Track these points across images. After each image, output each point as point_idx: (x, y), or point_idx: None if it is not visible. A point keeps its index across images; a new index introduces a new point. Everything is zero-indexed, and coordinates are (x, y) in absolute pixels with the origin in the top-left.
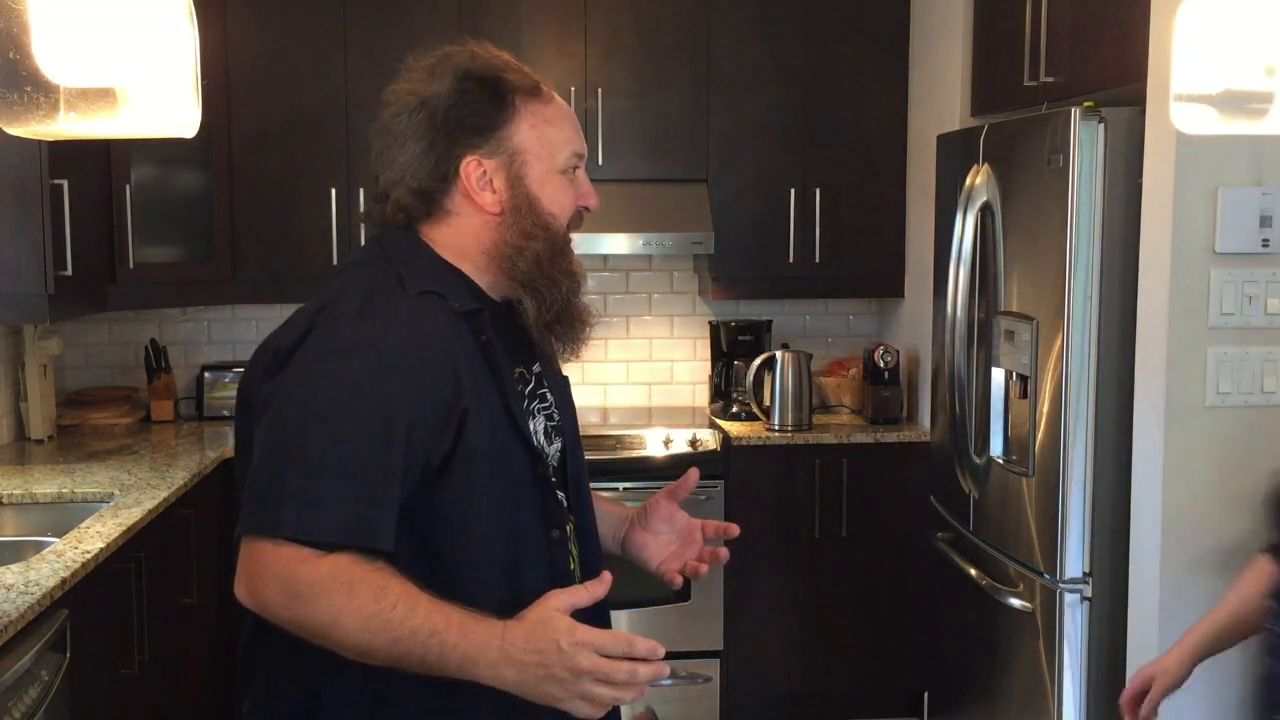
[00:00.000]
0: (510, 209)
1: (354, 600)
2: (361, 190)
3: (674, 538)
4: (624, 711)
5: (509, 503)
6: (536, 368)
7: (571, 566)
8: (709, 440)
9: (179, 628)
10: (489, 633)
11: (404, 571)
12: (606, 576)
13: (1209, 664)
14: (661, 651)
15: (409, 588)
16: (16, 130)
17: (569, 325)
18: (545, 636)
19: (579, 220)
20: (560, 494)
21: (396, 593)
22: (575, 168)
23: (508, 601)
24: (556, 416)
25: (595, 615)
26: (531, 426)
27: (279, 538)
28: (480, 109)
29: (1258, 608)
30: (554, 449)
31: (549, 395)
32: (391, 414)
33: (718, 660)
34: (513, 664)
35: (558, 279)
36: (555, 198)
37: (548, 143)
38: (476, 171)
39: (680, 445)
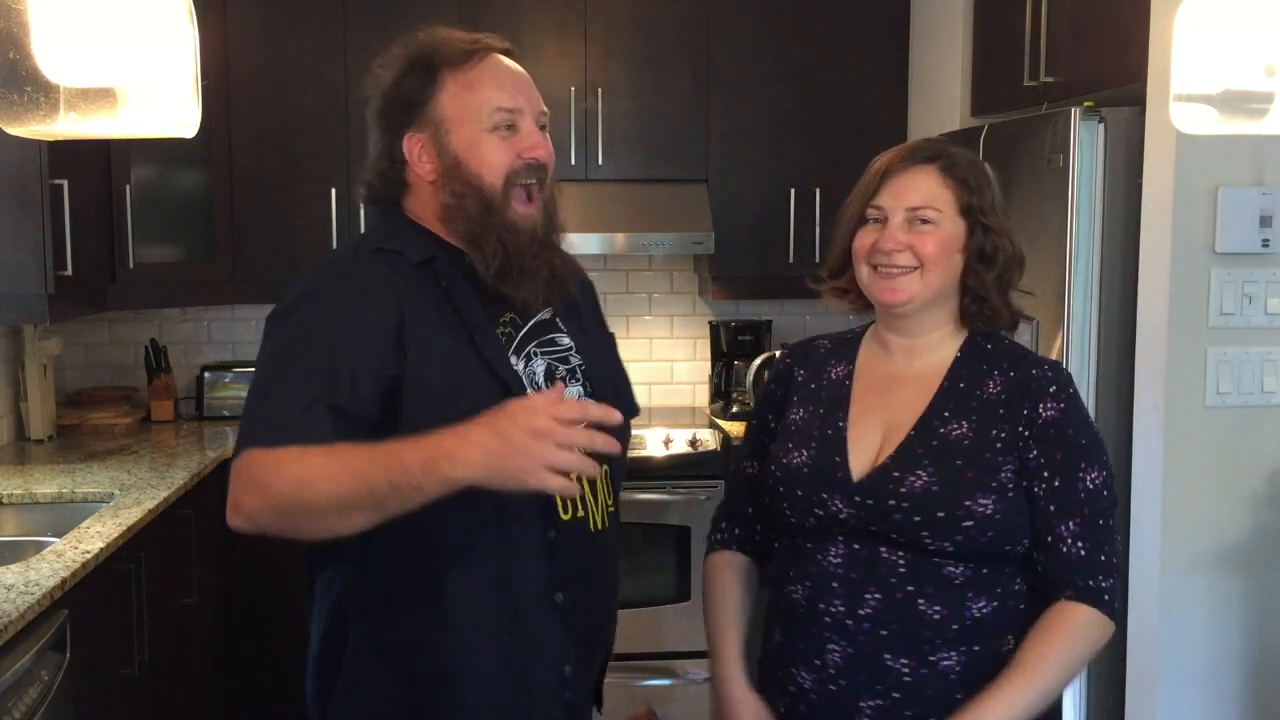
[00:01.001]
0: (442, 174)
1: (307, 460)
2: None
3: None
4: (623, 711)
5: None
6: (545, 314)
7: (571, 513)
8: (709, 440)
9: (179, 628)
10: (444, 432)
11: None
12: (614, 414)
13: (1209, 662)
14: (617, 416)
15: (361, 444)
16: (16, 130)
17: (519, 274)
18: (501, 413)
19: (531, 172)
20: None
21: (344, 446)
22: (507, 124)
23: (474, 529)
24: (574, 361)
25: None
26: (519, 365)
27: (243, 450)
28: (411, 89)
29: None
30: (568, 394)
31: (566, 342)
32: (331, 347)
33: None
34: (473, 446)
35: (492, 231)
36: (486, 157)
37: (470, 107)
38: (415, 147)
39: (680, 445)
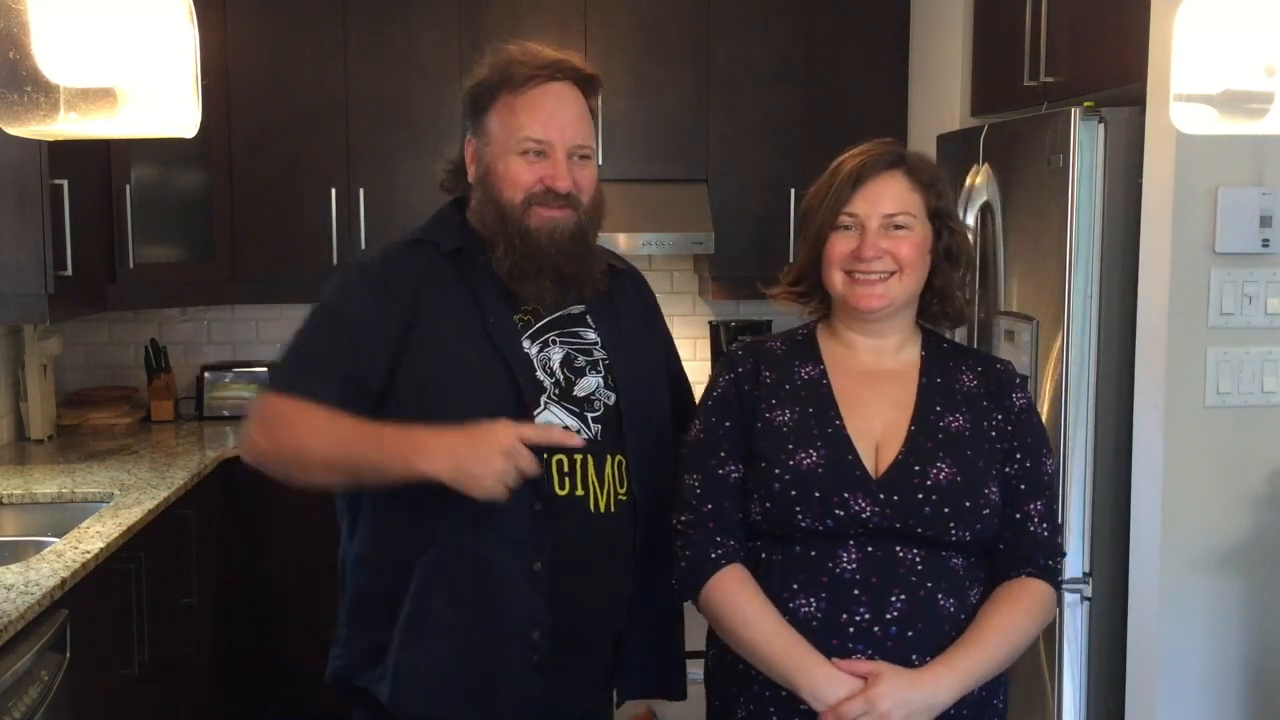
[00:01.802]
0: (478, 181)
1: (312, 420)
2: (361, 190)
3: None
4: (622, 711)
5: (480, 404)
6: (576, 309)
7: (567, 490)
8: None
9: (179, 628)
10: (425, 429)
11: None
12: (576, 439)
13: (1209, 662)
14: (577, 441)
15: (358, 418)
16: (16, 130)
17: (528, 276)
18: (481, 426)
19: (553, 197)
20: (572, 418)
21: (346, 416)
22: (534, 150)
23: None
24: (597, 354)
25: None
26: (533, 349)
27: (264, 392)
28: (478, 100)
29: None
30: (586, 383)
31: (592, 337)
32: (352, 321)
33: None
34: (443, 447)
35: (507, 237)
36: (508, 175)
37: (507, 128)
38: (470, 150)
39: None
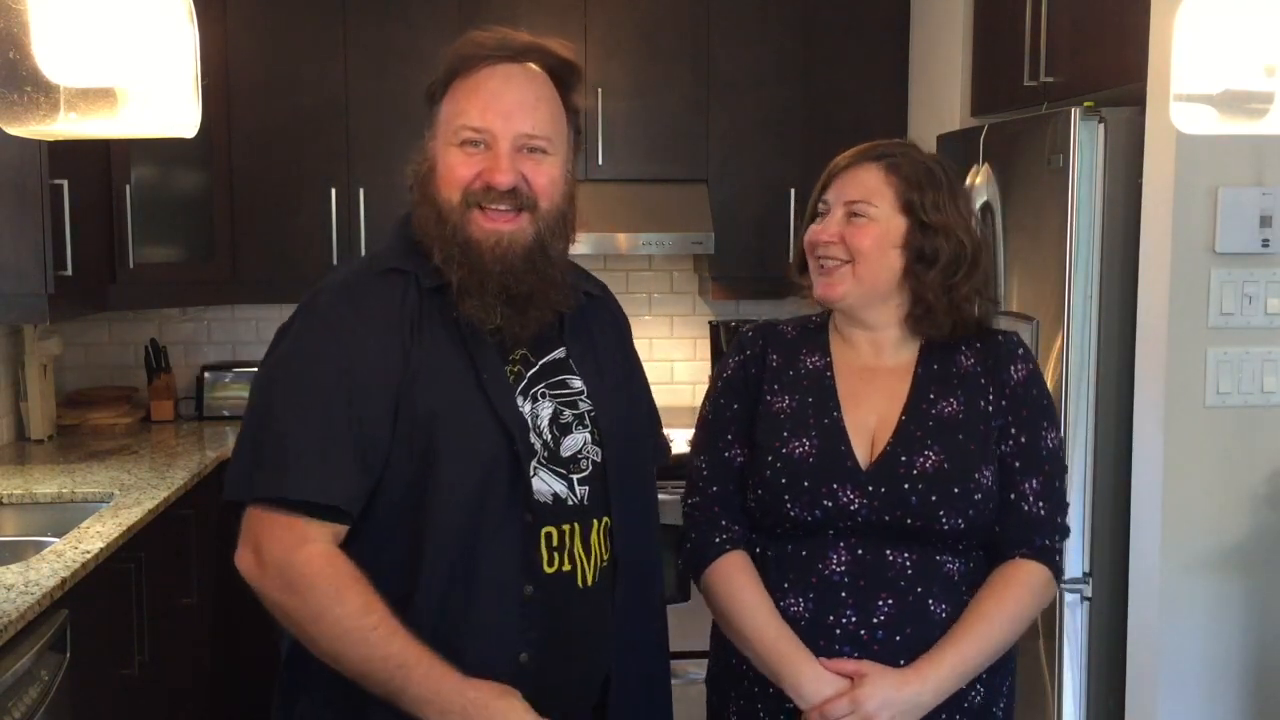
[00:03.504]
0: (419, 180)
1: (341, 607)
2: (361, 190)
3: None
4: None
5: (473, 471)
6: (559, 353)
7: (556, 566)
8: None
9: (179, 628)
10: (454, 687)
11: (372, 528)
12: None
13: (1209, 662)
14: None
15: (389, 613)
16: (16, 130)
17: (470, 294)
18: (495, 706)
19: (494, 195)
20: (560, 483)
21: (380, 613)
22: (473, 140)
23: (459, 569)
24: (583, 406)
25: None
26: (526, 406)
27: (254, 500)
28: (433, 91)
29: None
30: (572, 441)
31: (577, 385)
32: (337, 381)
33: None
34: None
35: (443, 244)
36: (444, 170)
37: (447, 116)
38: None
39: (681, 445)
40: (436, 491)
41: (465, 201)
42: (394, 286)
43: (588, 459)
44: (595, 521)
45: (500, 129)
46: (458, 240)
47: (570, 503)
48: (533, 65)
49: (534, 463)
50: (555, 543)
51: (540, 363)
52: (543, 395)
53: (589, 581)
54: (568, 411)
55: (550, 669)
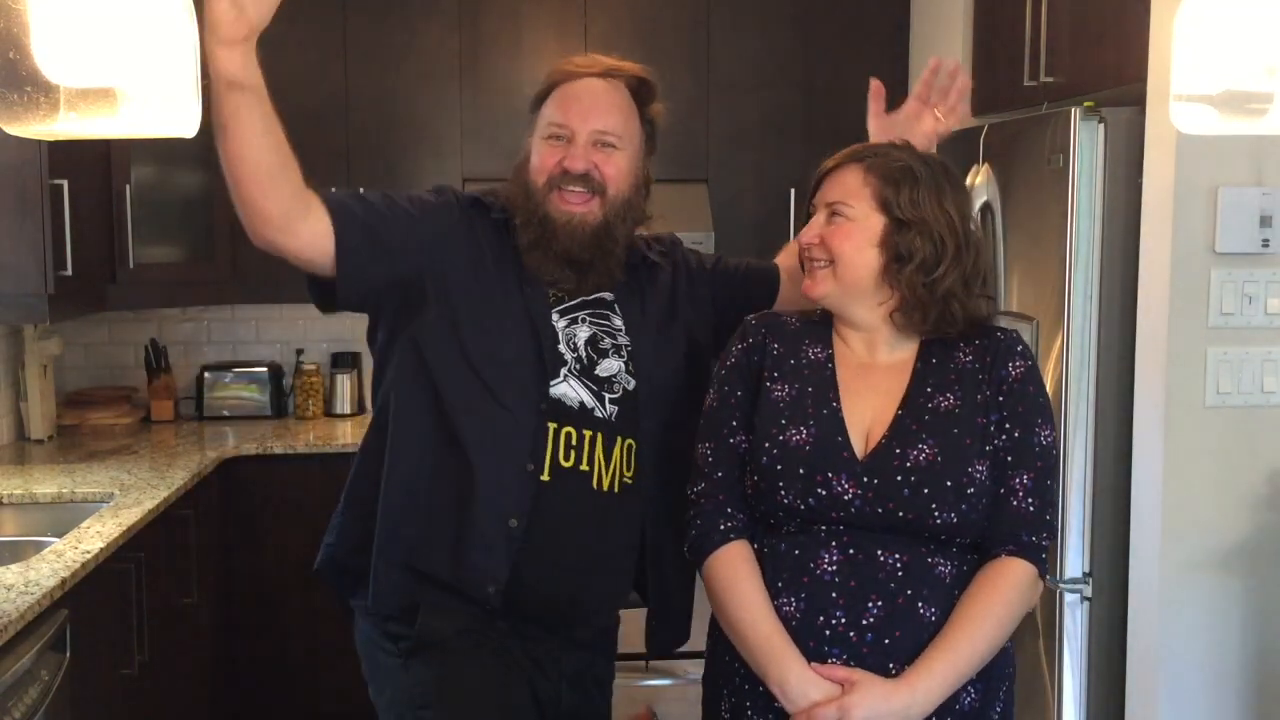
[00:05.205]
0: (516, 168)
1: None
2: (361, 190)
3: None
4: (623, 711)
5: (503, 354)
6: (607, 295)
7: (573, 462)
8: None
9: (179, 628)
10: None
11: (406, 387)
12: None
13: (1209, 662)
14: None
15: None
16: (16, 130)
17: (538, 249)
18: None
19: (573, 180)
20: (589, 394)
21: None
22: (556, 136)
23: (474, 433)
24: (621, 340)
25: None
26: (561, 322)
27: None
28: (536, 101)
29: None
30: (608, 365)
31: (619, 324)
32: (415, 210)
33: None
34: None
35: (526, 213)
36: (535, 159)
37: (542, 118)
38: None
39: None
40: (469, 356)
41: (548, 184)
42: (479, 212)
43: (621, 386)
44: (619, 438)
45: (578, 126)
46: (538, 215)
47: (598, 414)
48: (615, 80)
49: (565, 370)
50: (574, 442)
51: (583, 298)
52: (584, 320)
53: (605, 486)
54: (607, 339)
55: (539, 547)
